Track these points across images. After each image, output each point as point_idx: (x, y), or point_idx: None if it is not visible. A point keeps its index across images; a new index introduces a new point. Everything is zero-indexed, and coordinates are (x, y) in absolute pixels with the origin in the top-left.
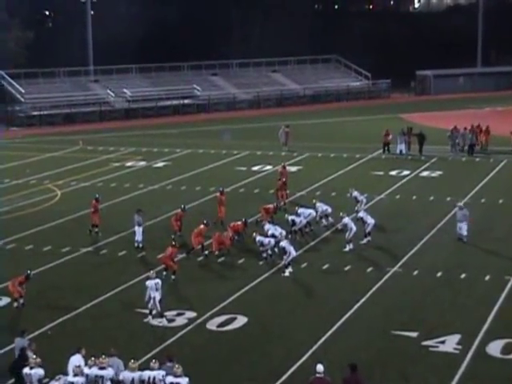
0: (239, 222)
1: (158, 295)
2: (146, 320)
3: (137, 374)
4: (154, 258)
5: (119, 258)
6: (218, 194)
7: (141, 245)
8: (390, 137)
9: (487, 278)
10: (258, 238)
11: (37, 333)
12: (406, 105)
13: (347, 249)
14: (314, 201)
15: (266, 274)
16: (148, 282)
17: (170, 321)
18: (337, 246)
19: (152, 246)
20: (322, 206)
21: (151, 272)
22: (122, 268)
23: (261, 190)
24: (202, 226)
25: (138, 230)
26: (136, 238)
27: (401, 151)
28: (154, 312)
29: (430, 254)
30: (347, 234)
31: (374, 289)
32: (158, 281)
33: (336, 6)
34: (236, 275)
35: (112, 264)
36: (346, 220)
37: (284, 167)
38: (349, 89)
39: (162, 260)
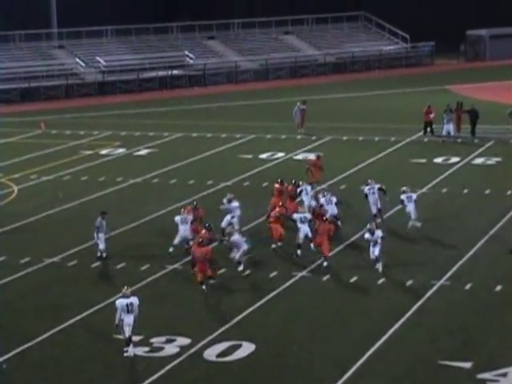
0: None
1: (129, 318)
2: (126, 349)
3: None
4: (136, 270)
5: (92, 270)
6: (276, 184)
7: (104, 254)
8: (433, 115)
9: None
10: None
11: None
12: (453, 74)
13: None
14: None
15: (279, 289)
16: (118, 302)
17: (156, 349)
18: (367, 253)
19: (134, 255)
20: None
21: (125, 288)
22: (95, 283)
23: (271, 184)
24: (202, 231)
25: (100, 237)
26: (99, 247)
27: (448, 132)
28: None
29: (486, 264)
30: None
31: (415, 307)
32: (132, 301)
33: None
34: (241, 289)
35: (83, 278)
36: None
37: (318, 158)
38: (381, 54)
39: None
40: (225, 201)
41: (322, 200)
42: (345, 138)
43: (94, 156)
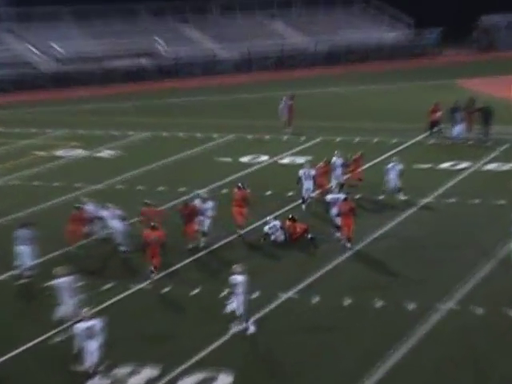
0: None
1: (91, 345)
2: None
3: None
4: (99, 288)
5: (44, 288)
6: (235, 189)
7: (29, 274)
8: (441, 113)
9: None
10: None
11: None
12: (464, 66)
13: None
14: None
15: (265, 311)
16: (76, 327)
17: (119, 383)
18: (362, 271)
19: (94, 273)
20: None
21: (84, 310)
22: (49, 303)
23: (254, 192)
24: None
25: (25, 250)
26: (21, 263)
27: (458, 134)
28: (98, 368)
29: (499, 285)
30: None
31: (418, 334)
32: (94, 323)
33: None
34: (221, 309)
35: (38, 297)
36: None
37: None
38: (381, 43)
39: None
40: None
41: (301, 172)
42: (338, 139)
43: (47, 158)
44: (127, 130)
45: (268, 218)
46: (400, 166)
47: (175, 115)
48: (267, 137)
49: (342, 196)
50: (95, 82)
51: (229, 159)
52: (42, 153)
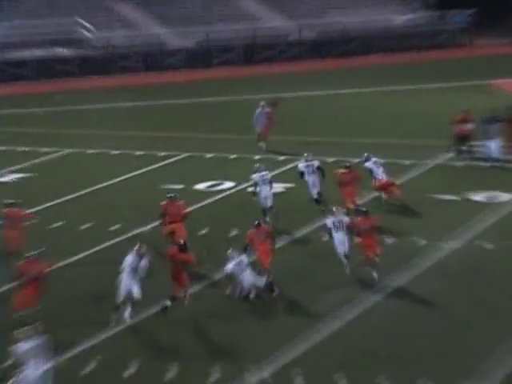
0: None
1: None
2: None
3: None
4: None
5: None
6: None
7: None
8: (471, 125)
9: None
10: None
11: None
12: (503, 61)
13: None
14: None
15: None
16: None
17: None
18: (361, 335)
19: None
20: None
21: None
22: None
23: (212, 231)
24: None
25: None
26: None
27: (498, 153)
28: None
29: None
30: None
31: None
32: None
33: None
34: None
35: None
36: None
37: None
38: (391, 29)
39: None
40: None
41: (256, 177)
42: (331, 159)
43: None
44: (40, 146)
45: (230, 250)
46: (380, 161)
47: (105, 125)
48: (233, 156)
49: (345, 217)
50: None
51: (179, 186)
52: None
